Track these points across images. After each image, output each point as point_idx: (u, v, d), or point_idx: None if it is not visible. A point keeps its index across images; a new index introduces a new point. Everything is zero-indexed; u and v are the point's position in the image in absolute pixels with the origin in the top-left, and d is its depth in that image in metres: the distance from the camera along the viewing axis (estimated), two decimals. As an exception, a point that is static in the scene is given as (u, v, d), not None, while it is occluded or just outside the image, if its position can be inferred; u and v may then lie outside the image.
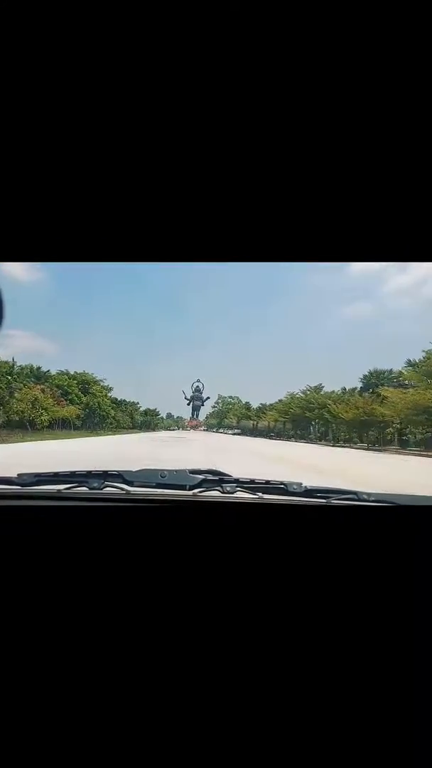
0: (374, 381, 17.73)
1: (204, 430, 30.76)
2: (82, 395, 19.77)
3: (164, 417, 31.12)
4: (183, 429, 31.68)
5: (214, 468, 1.19)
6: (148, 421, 27.42)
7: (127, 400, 25.39)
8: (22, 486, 1.08)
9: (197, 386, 30.34)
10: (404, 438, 13.73)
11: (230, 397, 32.18)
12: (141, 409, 27.05)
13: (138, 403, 26.54)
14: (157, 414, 28.91)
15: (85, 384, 20.64)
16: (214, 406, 32.19)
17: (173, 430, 30.51)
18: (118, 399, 23.97)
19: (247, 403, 29.73)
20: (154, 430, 28.49)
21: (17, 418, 14.54)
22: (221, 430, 30.81)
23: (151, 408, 27.96)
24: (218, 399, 31.90)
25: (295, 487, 1.11)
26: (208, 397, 30.69)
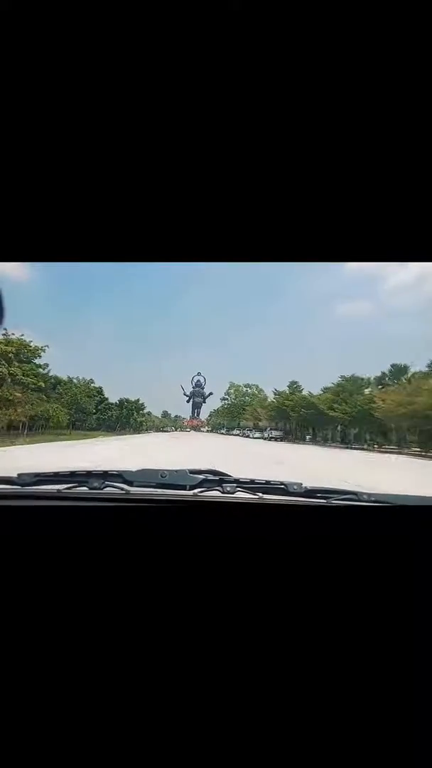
0: None
1: (207, 431, 22.48)
2: None
3: (150, 413, 22.89)
4: (182, 430, 23.57)
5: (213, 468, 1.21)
6: (122, 418, 19.00)
7: (78, 381, 16.68)
8: (22, 486, 1.10)
9: (198, 380, 21.75)
10: None
11: (246, 385, 23.25)
12: (102, 398, 18.31)
13: (100, 386, 17.73)
14: (142, 407, 20.52)
15: None
16: (223, 398, 23.47)
17: (168, 431, 22.55)
18: (57, 376, 15.17)
19: (296, 385, 19.30)
20: (138, 431, 20.32)
21: None
22: (236, 431, 22.37)
23: (131, 398, 19.46)
24: (229, 388, 23.16)
25: (295, 487, 1.13)
26: (211, 393, 21.98)
